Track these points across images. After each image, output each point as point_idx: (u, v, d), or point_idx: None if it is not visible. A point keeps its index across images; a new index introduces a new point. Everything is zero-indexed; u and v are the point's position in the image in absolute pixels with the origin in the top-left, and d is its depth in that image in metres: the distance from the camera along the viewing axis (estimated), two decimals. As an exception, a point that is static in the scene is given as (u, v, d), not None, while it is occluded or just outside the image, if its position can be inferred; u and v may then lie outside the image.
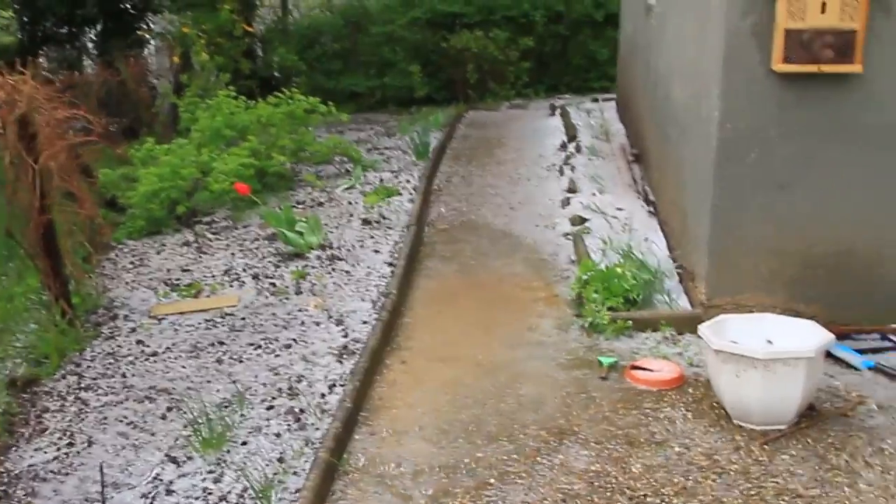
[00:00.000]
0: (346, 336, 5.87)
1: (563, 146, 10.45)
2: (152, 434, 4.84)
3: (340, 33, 14.78)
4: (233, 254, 7.52)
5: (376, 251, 7.37)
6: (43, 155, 5.75)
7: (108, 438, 4.82)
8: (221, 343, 5.90)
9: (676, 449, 4.47)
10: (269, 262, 7.26)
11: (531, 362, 5.51)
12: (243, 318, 6.25)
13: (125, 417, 5.03)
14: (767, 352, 4.54)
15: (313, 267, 7.07)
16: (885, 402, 4.87)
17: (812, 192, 5.52)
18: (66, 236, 6.37)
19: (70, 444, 4.78)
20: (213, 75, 11.35)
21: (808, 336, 4.68)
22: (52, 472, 4.53)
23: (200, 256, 7.54)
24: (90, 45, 13.67)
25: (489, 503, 4.12)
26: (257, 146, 9.00)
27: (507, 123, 12.48)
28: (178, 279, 7.06)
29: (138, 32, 13.43)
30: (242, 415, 4.94)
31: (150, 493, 4.28)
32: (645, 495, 4.09)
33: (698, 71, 6.05)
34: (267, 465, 4.44)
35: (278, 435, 4.72)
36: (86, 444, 4.77)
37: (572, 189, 8.68)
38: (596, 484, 4.19)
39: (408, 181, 9.31)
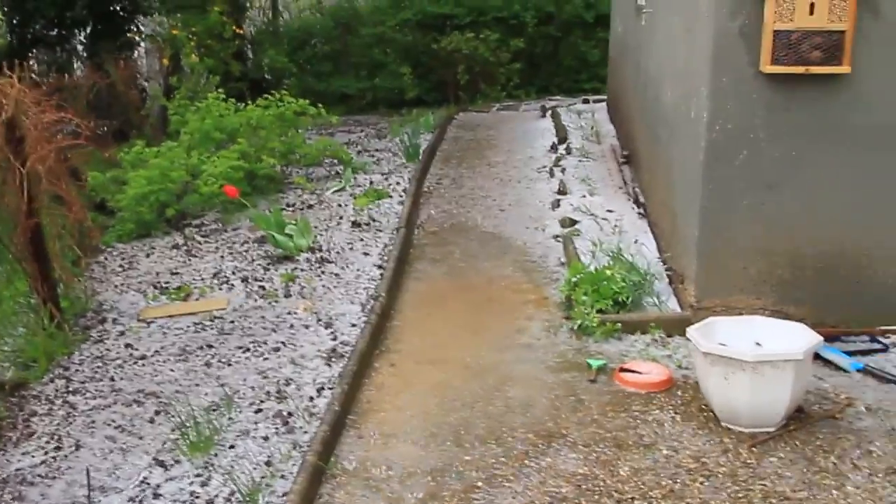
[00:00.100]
0: (334, 339, 5.85)
1: (554, 148, 10.45)
2: (140, 438, 4.83)
3: (331, 35, 14.78)
4: (222, 257, 7.51)
5: (366, 254, 7.35)
6: (30, 158, 5.73)
7: (96, 442, 4.80)
8: (210, 346, 5.88)
9: (664, 452, 4.46)
10: (259, 264, 7.24)
11: (520, 365, 5.50)
12: (232, 322, 6.23)
13: (113, 421, 5.01)
14: (756, 354, 4.53)
15: (302, 270, 7.06)
16: (874, 404, 4.87)
17: (801, 193, 5.53)
18: (54, 239, 6.36)
19: (58, 448, 4.76)
20: (203, 77, 11.33)
21: (797, 338, 4.68)
22: (39, 476, 4.52)
23: (190, 259, 7.53)
24: (80, 47, 13.61)
25: (477, 506, 4.12)
26: (247, 149, 8.98)
27: (497, 125, 12.48)
28: (167, 282, 7.04)
29: (128, 35, 13.37)
30: (230, 418, 4.93)
31: (137, 496, 4.27)
32: (632, 498, 4.09)
33: (687, 72, 6.06)
34: (254, 468, 4.42)
35: (266, 438, 4.71)
36: (73, 448, 4.75)
37: (562, 191, 8.68)
38: (584, 487, 4.19)
39: (398, 183, 9.30)
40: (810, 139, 5.45)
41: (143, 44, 13.50)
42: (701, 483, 4.18)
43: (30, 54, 13.14)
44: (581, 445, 4.55)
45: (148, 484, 4.36)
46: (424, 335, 6.01)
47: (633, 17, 9.06)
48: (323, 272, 7.01)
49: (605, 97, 12.39)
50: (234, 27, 12.65)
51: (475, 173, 9.91)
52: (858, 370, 5.22)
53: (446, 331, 6.07)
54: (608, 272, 6.14)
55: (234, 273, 7.10)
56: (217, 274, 7.11)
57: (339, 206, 8.67)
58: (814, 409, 4.80)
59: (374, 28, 14.58)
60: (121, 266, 7.49)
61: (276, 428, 4.81)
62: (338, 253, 7.39)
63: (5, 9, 12.91)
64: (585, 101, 13.19)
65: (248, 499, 4.13)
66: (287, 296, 6.61)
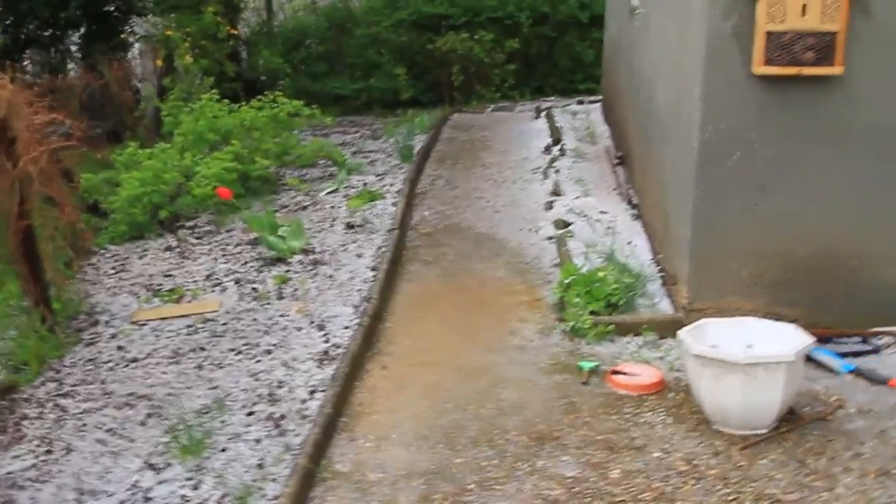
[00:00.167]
0: (327, 341, 5.84)
1: (548, 149, 10.43)
2: (131, 441, 4.81)
3: (325, 35, 14.77)
4: (215, 259, 7.50)
5: (359, 255, 7.34)
6: (22, 160, 5.71)
7: (87, 445, 4.79)
8: (202, 349, 5.87)
9: (656, 454, 4.46)
10: (252, 266, 7.23)
11: (512, 367, 5.50)
12: (224, 324, 6.22)
13: (104, 424, 5.00)
14: (747, 356, 4.54)
15: (296, 272, 7.05)
16: (865, 405, 4.87)
17: (793, 194, 5.53)
18: (47, 241, 6.32)
19: (48, 452, 4.75)
20: (198, 78, 11.31)
21: (789, 340, 4.68)
22: (29, 479, 4.50)
23: (183, 261, 7.51)
24: (74, 48, 13.58)
25: (468, 509, 4.12)
26: (241, 150, 8.97)
27: (492, 126, 12.47)
28: (159, 284, 7.03)
29: (122, 35, 13.35)
30: (222, 421, 4.92)
31: (127, 500, 4.27)
32: (623, 501, 4.09)
33: (680, 73, 6.05)
34: (246, 471, 4.42)
35: (258, 441, 4.70)
36: (64, 452, 4.74)
37: (556, 192, 8.67)
38: (575, 489, 4.18)
39: (392, 184, 9.29)
40: (803, 140, 5.45)
41: (137, 44, 13.47)
42: (692, 485, 4.18)
43: (24, 55, 13.12)
44: (573, 448, 4.55)
45: (139, 487, 4.36)
46: (417, 337, 6.01)
47: (626, 18, 9.05)
48: (316, 274, 7.00)
49: (599, 98, 12.38)
50: (228, 28, 12.63)
51: (469, 174, 9.90)
52: (850, 372, 5.22)
53: (439, 333, 6.07)
54: (601, 274, 6.14)
55: (227, 275, 7.09)
56: (210, 276, 7.10)
57: (333, 207, 8.66)
58: (805, 411, 4.80)
59: (369, 28, 14.57)
60: (113, 268, 7.48)
61: (268, 431, 4.80)
62: (331, 255, 7.38)
63: (-1, 9, 12.88)
64: (580, 102, 13.19)
65: (239, 502, 4.13)
66: (280, 298, 6.61)
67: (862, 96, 5.37)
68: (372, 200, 8.70)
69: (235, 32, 13.45)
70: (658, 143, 6.92)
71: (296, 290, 6.71)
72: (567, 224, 7.69)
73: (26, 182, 5.77)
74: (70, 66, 13.36)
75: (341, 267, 7.12)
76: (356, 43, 14.56)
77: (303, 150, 9.88)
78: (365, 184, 9.37)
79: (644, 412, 4.90)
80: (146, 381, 5.48)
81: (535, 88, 14.80)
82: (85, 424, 5.01)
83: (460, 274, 7.12)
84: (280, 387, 5.28)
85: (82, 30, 13.32)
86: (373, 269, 7.02)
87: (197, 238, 8.08)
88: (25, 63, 13.20)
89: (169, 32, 11.92)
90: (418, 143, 10.94)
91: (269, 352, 5.76)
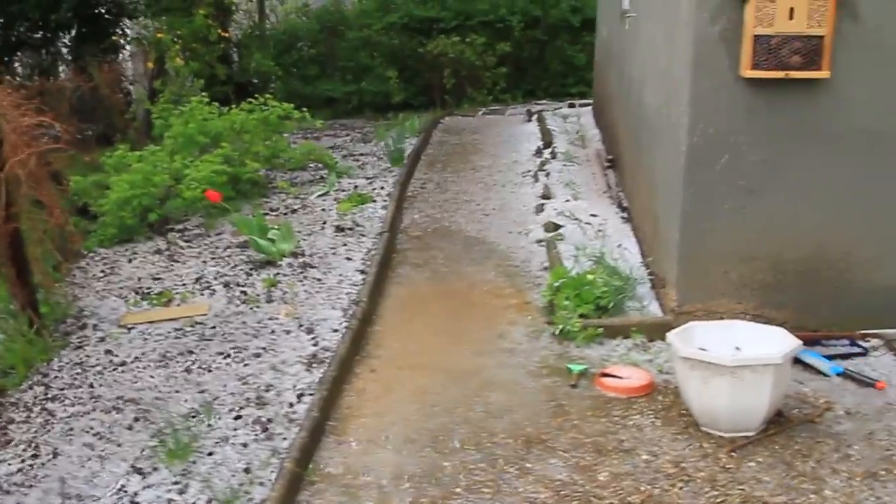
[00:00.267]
0: (315, 345, 5.83)
1: (539, 152, 10.45)
2: (118, 445, 4.79)
3: (317, 38, 14.78)
4: (204, 262, 7.47)
5: (348, 259, 7.33)
6: (10, 162, 5.69)
7: (74, 450, 4.76)
8: (191, 352, 5.85)
9: (644, 457, 4.46)
10: (241, 270, 7.21)
11: (501, 370, 5.49)
12: (213, 327, 6.20)
13: (91, 428, 4.97)
14: (734, 359, 4.54)
15: (285, 275, 7.04)
16: (853, 408, 4.88)
17: (782, 197, 5.54)
18: (35, 244, 6.30)
19: (35, 456, 4.72)
20: (188, 81, 11.29)
21: (777, 343, 4.68)
22: (15, 484, 4.47)
23: (172, 265, 7.49)
24: (65, 50, 13.56)
25: (455, 513, 4.11)
26: (231, 153, 8.95)
27: (483, 129, 12.48)
28: (148, 288, 7.00)
29: (113, 38, 13.33)
30: (210, 425, 4.90)
31: (114, 504, 4.25)
32: (611, 503, 4.08)
33: (669, 76, 6.06)
34: (233, 475, 4.40)
35: (245, 445, 4.68)
36: (51, 456, 4.71)
37: (546, 195, 8.67)
38: (563, 492, 4.18)
39: (382, 188, 9.29)
40: (791, 144, 5.46)
41: (128, 47, 13.46)
42: (680, 488, 4.18)
43: (14, 57, 13.10)
44: (561, 451, 4.55)
45: (125, 492, 4.33)
46: (406, 340, 6.00)
47: (617, 22, 9.07)
48: (305, 277, 6.98)
49: (591, 101, 12.40)
50: (219, 30, 12.60)
51: (460, 177, 9.91)
52: (839, 374, 5.23)
53: (428, 336, 6.06)
54: (590, 277, 6.14)
55: (216, 278, 7.07)
56: (199, 279, 7.08)
57: (323, 210, 8.65)
58: (793, 413, 4.80)
59: (361, 32, 14.58)
60: (102, 271, 7.45)
61: (256, 434, 4.78)
62: (320, 258, 7.37)
63: (-11, 11, 12.85)
64: (571, 106, 13.20)
65: (225, 506, 4.12)
66: (269, 301, 6.59)
67: (849, 100, 5.38)
68: (362, 204, 8.70)
69: (227, 35, 13.42)
70: (648, 147, 6.93)
71: (285, 293, 6.69)
72: (557, 227, 7.69)
73: (14, 185, 5.74)
74: (61, 68, 13.33)
75: (330, 270, 7.11)
76: (348, 46, 14.57)
77: (293, 154, 9.87)
78: (355, 187, 9.36)
79: (633, 415, 4.89)
80: (134, 385, 5.45)
81: (526, 92, 14.84)
82: (72, 428, 4.98)
83: (450, 277, 7.11)
84: (268, 390, 5.26)
85: (73, 32, 13.30)
86: (362, 272, 7.01)
87: (186, 241, 8.05)
88: (16, 65, 13.18)
89: (160, 35, 11.91)
90: (409, 146, 10.95)
91: (257, 355, 5.74)
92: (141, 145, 9.54)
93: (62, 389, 5.45)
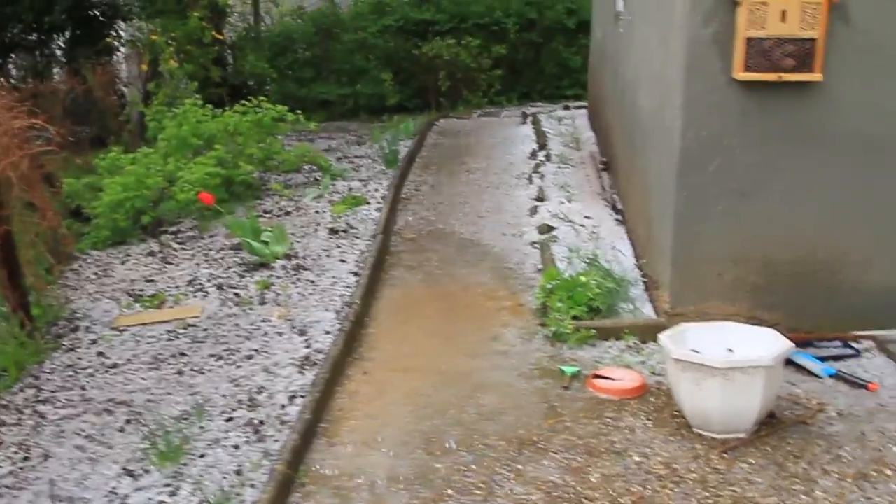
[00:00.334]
0: (308, 347, 5.81)
1: (534, 154, 10.45)
2: (110, 447, 4.77)
3: (312, 41, 14.77)
4: (198, 264, 7.46)
5: (342, 261, 7.32)
6: (1, 164, 5.68)
7: (65, 452, 4.74)
8: (183, 354, 5.84)
9: (635, 458, 4.46)
10: (234, 272, 7.20)
11: (494, 372, 5.49)
12: (206, 330, 6.19)
13: (83, 430, 4.96)
14: (726, 361, 4.54)
15: (278, 277, 7.03)
16: (845, 409, 4.89)
17: (774, 199, 5.55)
18: (27, 247, 6.30)
19: (26, 459, 4.70)
20: (183, 83, 11.27)
21: (768, 345, 4.68)
22: (6, 486, 4.45)
23: (165, 267, 7.48)
24: (59, 52, 13.54)
25: (447, 515, 4.10)
26: (224, 155, 8.94)
27: (478, 131, 12.48)
28: (141, 290, 6.99)
29: (107, 40, 13.30)
30: (201, 427, 4.89)
31: (104, 507, 4.24)
32: (602, 505, 4.09)
33: (662, 79, 6.06)
34: (224, 477, 4.38)
35: (237, 447, 4.67)
36: (42, 458, 4.69)
37: (541, 197, 8.67)
38: (554, 494, 4.17)
39: (376, 190, 9.28)
40: (783, 146, 5.47)
41: (122, 49, 13.43)
42: (671, 489, 4.18)
43: (8, 59, 13.08)
44: (552, 452, 4.54)
45: (116, 494, 4.31)
46: (398, 342, 5.99)
47: (612, 24, 9.08)
48: (298, 279, 6.97)
49: (585, 103, 12.41)
50: (214, 33, 12.55)
51: (454, 180, 9.91)
52: (831, 376, 5.23)
53: (421, 338, 6.05)
54: (583, 279, 6.14)
55: (209, 280, 7.06)
56: (192, 281, 7.07)
57: (317, 212, 8.64)
58: (785, 415, 4.81)
59: (356, 34, 14.58)
60: (95, 273, 7.44)
61: (247, 437, 4.77)
62: (314, 260, 7.36)
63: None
64: (566, 108, 13.24)
65: (216, 508, 4.11)
66: (262, 303, 6.58)
67: (841, 102, 5.39)
68: (356, 206, 8.69)
69: (221, 37, 13.37)
70: (641, 149, 6.93)
71: (278, 295, 6.69)
72: (551, 229, 7.70)
73: (6, 187, 5.74)
74: (55, 70, 13.31)
75: (324, 272, 7.10)
76: (343, 48, 14.57)
77: (287, 156, 9.85)
78: (349, 189, 9.36)
79: (625, 416, 4.89)
80: (126, 388, 5.44)
81: (521, 94, 14.84)
82: (63, 431, 4.96)
83: (443, 279, 7.11)
84: (260, 392, 5.25)
85: (67, 34, 13.28)
86: (356, 274, 7.01)
87: (179, 243, 8.04)
88: (10, 67, 13.16)
89: (154, 37, 11.85)
90: (403, 148, 10.95)
91: (249, 357, 5.73)
92: (135, 147, 9.51)
93: (54, 392, 5.44)
